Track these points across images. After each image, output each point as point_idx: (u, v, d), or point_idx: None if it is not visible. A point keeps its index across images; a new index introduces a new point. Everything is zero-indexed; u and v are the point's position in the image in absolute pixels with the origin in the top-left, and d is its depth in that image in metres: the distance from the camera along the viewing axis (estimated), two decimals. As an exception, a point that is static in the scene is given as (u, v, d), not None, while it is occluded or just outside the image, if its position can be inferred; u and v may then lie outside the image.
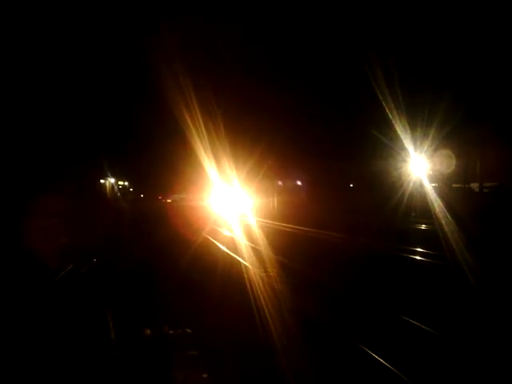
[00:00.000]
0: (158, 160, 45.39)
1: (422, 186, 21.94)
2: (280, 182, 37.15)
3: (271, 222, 23.56)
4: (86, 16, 22.63)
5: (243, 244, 14.33)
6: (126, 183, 59.44)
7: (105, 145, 32.93)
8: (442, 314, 6.84)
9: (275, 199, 32.13)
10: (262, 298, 7.86)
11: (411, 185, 22.53)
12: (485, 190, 23.12)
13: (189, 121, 21.19)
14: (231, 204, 26.61)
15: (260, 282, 8.94)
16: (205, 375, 5.12)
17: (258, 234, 16.18)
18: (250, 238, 15.27)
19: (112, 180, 47.18)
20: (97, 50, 27.74)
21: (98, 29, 24.13)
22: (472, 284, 8.30)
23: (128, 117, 38.62)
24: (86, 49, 26.12)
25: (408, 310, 6.87)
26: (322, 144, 29.24)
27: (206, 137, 21.92)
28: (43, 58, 22.03)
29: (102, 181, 42.19)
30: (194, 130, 21.38)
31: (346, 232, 16.83)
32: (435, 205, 17.67)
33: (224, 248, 14.45)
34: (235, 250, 13.52)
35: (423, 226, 19.27)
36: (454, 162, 23.20)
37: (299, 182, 36.98)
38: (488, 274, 9.50)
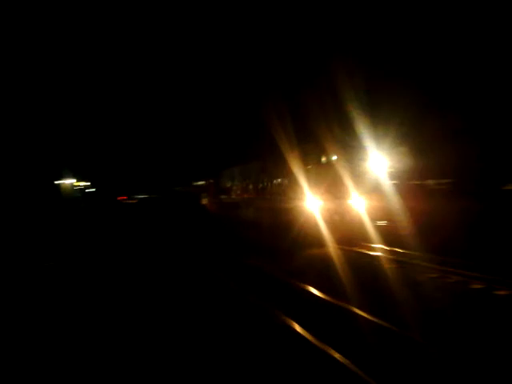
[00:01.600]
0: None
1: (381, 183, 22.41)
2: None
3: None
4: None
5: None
6: (88, 183, 57.34)
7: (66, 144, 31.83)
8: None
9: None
10: None
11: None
12: (441, 187, 23.94)
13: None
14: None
15: None
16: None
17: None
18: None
19: (70, 181, 45.47)
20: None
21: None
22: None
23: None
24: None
25: None
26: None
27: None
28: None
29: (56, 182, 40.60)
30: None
31: None
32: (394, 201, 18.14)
33: None
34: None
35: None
36: (411, 159, 23.87)
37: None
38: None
